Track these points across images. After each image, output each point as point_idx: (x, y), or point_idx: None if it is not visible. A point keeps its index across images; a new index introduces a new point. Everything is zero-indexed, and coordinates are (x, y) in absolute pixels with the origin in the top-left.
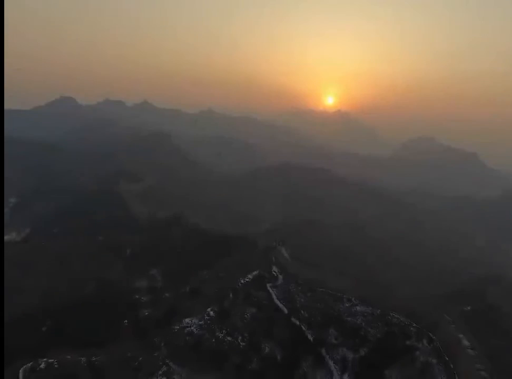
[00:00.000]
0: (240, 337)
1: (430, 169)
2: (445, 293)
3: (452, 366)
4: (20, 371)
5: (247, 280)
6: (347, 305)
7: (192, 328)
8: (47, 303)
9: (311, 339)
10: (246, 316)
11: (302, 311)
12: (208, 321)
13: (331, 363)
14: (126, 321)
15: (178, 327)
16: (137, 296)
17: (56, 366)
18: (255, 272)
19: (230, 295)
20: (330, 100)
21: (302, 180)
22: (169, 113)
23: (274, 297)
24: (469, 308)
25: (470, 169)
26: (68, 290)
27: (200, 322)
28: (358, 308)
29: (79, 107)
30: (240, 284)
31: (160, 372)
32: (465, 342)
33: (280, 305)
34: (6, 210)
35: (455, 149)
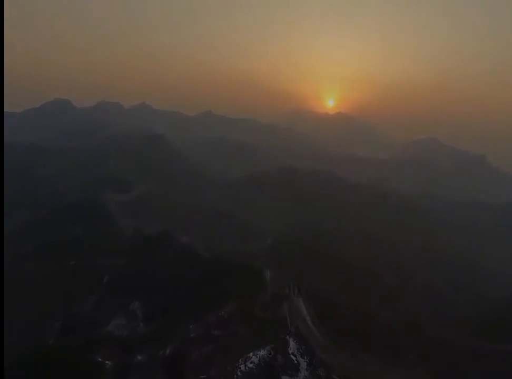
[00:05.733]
0: None
1: (437, 172)
2: (481, 323)
3: None
4: None
5: (251, 366)
6: None
7: None
8: None
9: None
10: None
11: None
12: None
13: None
14: None
15: None
16: (100, 359)
17: None
18: (261, 352)
19: None
20: (330, 102)
21: (307, 184)
22: (168, 115)
23: None
24: None
25: (479, 172)
26: (22, 340)
27: None
28: None
29: (73, 109)
30: (239, 373)
31: None
32: None
33: None
34: None
35: (462, 151)
